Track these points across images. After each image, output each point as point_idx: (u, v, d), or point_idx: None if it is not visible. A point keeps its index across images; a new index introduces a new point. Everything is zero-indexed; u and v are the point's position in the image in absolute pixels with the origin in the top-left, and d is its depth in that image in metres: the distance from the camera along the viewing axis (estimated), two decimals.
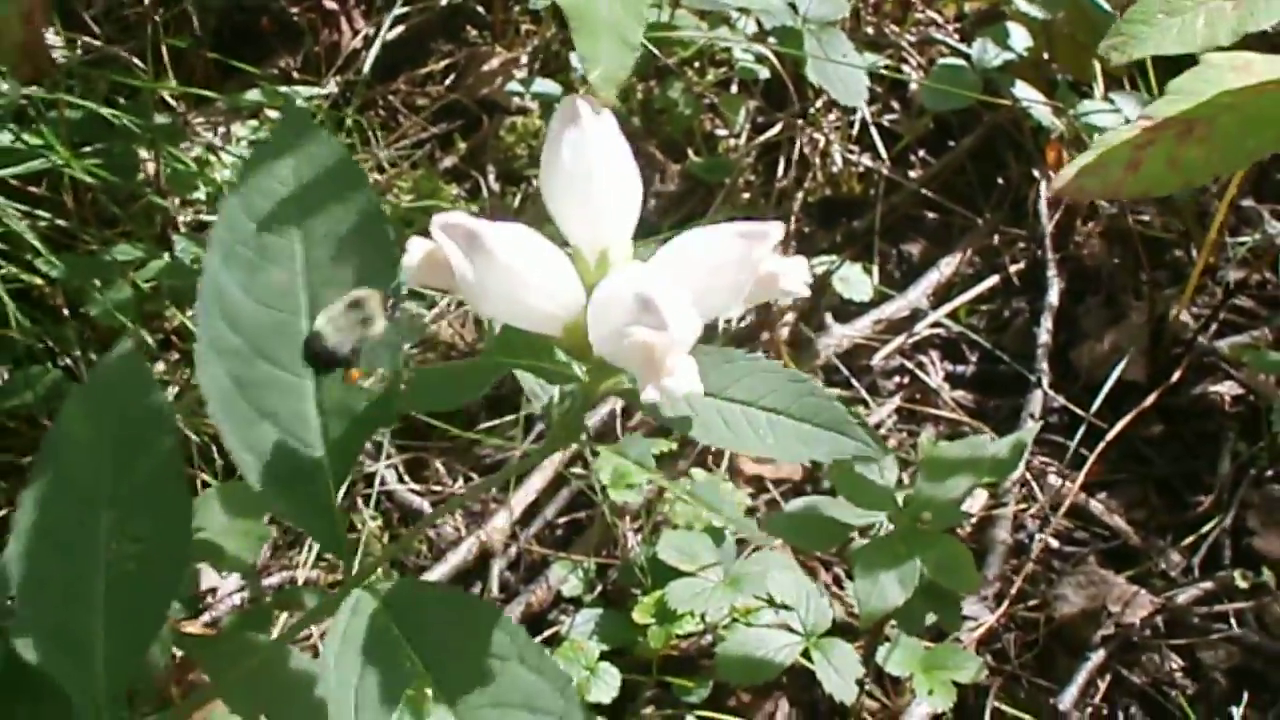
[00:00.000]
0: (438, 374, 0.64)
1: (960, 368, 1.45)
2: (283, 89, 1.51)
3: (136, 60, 1.46)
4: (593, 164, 0.58)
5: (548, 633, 1.23)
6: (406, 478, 1.35)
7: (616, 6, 0.60)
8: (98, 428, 0.67)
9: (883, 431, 1.36)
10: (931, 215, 1.56)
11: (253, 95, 1.48)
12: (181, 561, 0.66)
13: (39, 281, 1.35)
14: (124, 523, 0.66)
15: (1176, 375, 1.39)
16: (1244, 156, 0.60)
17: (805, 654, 1.09)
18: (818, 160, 1.59)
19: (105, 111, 1.36)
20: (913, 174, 1.59)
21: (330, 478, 0.62)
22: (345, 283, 0.62)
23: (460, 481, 1.35)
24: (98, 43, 1.48)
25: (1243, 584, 1.24)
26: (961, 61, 1.49)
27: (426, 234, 0.57)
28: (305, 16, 1.64)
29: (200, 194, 1.48)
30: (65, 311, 1.36)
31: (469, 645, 0.59)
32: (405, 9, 1.62)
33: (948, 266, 1.50)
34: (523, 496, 1.30)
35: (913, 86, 1.63)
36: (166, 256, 1.38)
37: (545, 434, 0.94)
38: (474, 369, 0.59)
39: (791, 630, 1.08)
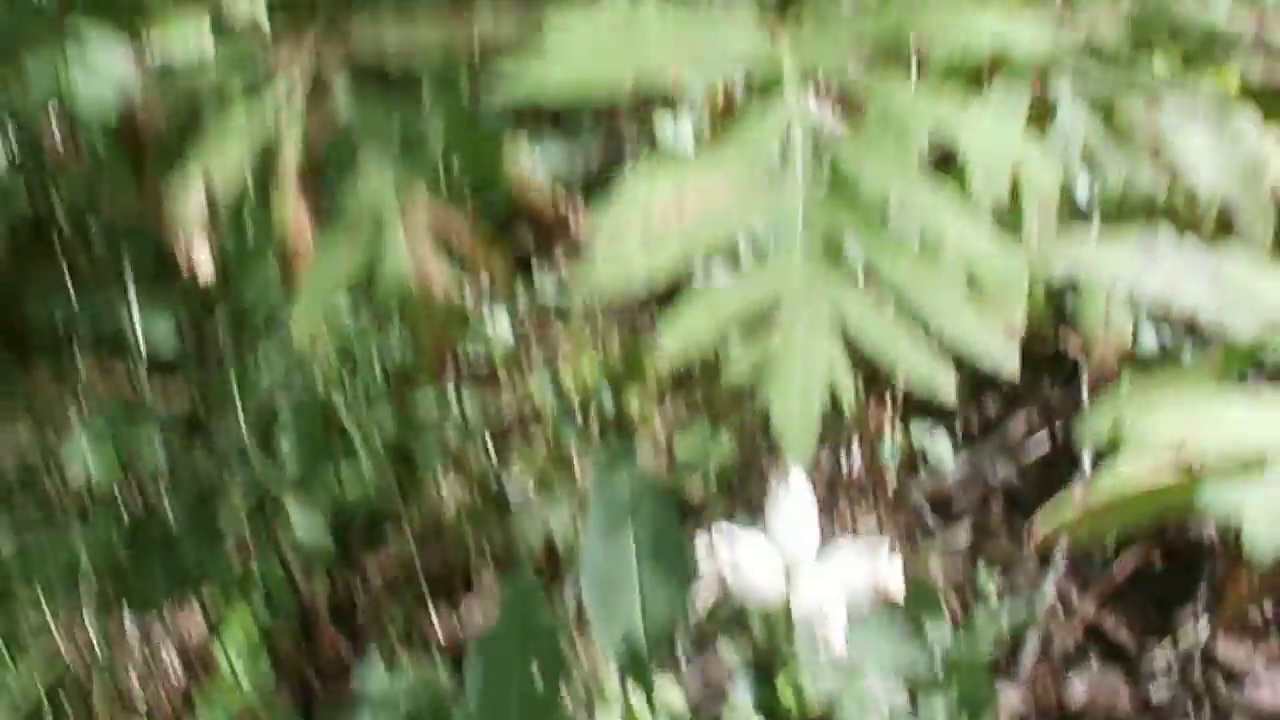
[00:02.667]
0: (709, 611, 1.20)
1: (1018, 504, 2.00)
2: None
3: None
4: (796, 509, 1.14)
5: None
6: None
7: (804, 420, 1.15)
8: (510, 647, 1.24)
9: (950, 559, 1.92)
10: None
11: None
12: None
13: None
14: None
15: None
16: (1129, 523, 1.14)
17: None
18: None
19: None
20: None
21: (647, 659, 1.17)
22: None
23: None
24: None
25: (1201, 683, 1.79)
26: None
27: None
28: None
29: None
30: None
31: None
32: None
33: (1014, 427, 2.04)
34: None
35: None
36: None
37: None
38: (725, 612, 1.15)
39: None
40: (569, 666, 1.47)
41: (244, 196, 1.41)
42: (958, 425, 2.03)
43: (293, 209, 1.35)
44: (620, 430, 2.05)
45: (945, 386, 1.16)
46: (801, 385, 1.14)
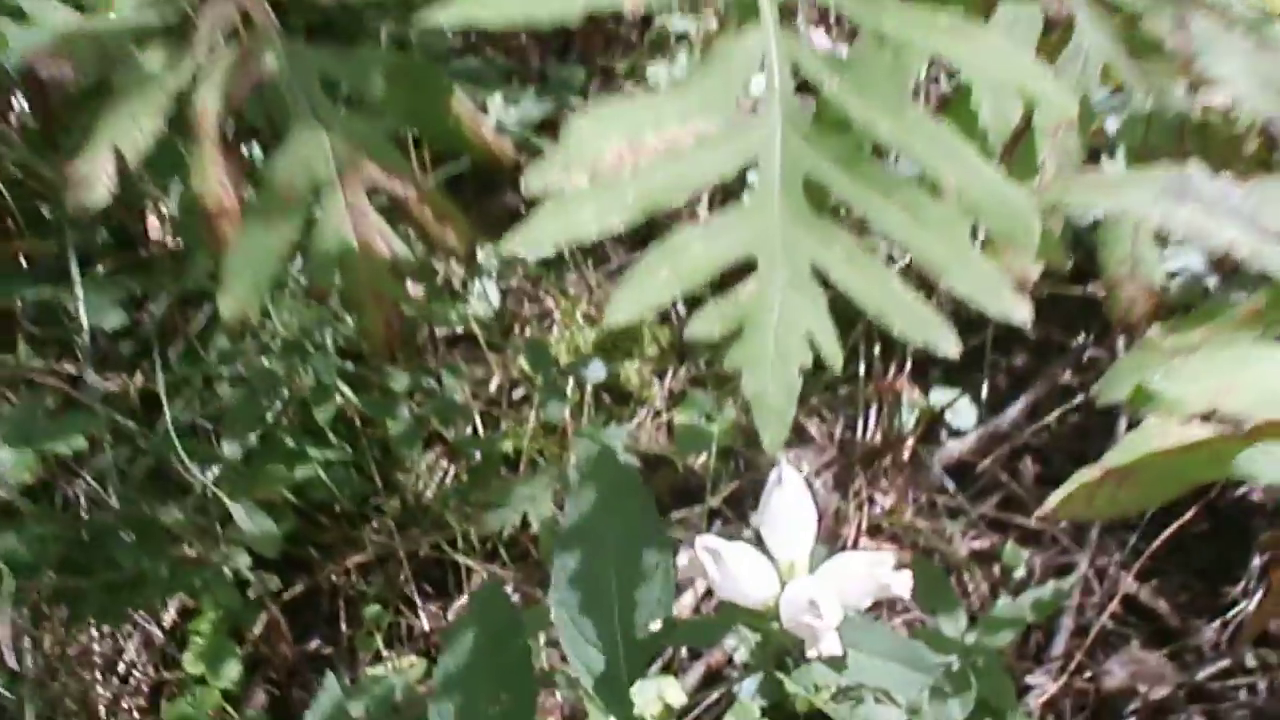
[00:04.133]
0: (694, 624, 1.05)
1: (1049, 471, 1.83)
2: None
3: None
4: (789, 509, 0.98)
5: (722, 687, 1.66)
6: None
7: (780, 392, 0.99)
8: (476, 652, 1.08)
9: (975, 532, 1.75)
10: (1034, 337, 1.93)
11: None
12: None
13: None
14: None
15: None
16: (1157, 499, 0.98)
17: None
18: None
19: None
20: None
21: (626, 683, 1.02)
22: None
23: None
24: None
25: (1253, 662, 1.62)
26: None
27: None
28: None
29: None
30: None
31: None
32: None
33: (1043, 385, 1.87)
34: (703, 584, 1.72)
35: None
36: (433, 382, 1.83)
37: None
38: (712, 624, 1.00)
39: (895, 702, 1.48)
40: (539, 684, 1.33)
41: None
42: (983, 386, 1.87)
43: (214, 173, 1.20)
44: (616, 402, 1.90)
45: (946, 344, 1.01)
46: (779, 352, 0.99)
